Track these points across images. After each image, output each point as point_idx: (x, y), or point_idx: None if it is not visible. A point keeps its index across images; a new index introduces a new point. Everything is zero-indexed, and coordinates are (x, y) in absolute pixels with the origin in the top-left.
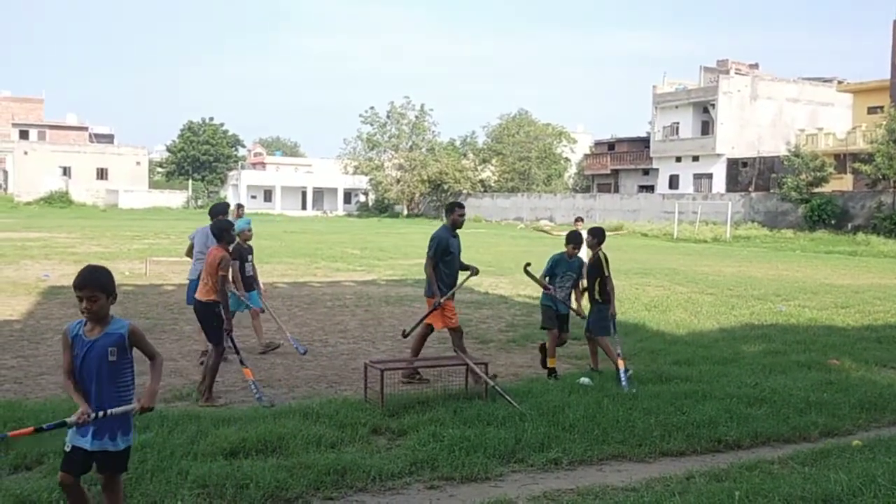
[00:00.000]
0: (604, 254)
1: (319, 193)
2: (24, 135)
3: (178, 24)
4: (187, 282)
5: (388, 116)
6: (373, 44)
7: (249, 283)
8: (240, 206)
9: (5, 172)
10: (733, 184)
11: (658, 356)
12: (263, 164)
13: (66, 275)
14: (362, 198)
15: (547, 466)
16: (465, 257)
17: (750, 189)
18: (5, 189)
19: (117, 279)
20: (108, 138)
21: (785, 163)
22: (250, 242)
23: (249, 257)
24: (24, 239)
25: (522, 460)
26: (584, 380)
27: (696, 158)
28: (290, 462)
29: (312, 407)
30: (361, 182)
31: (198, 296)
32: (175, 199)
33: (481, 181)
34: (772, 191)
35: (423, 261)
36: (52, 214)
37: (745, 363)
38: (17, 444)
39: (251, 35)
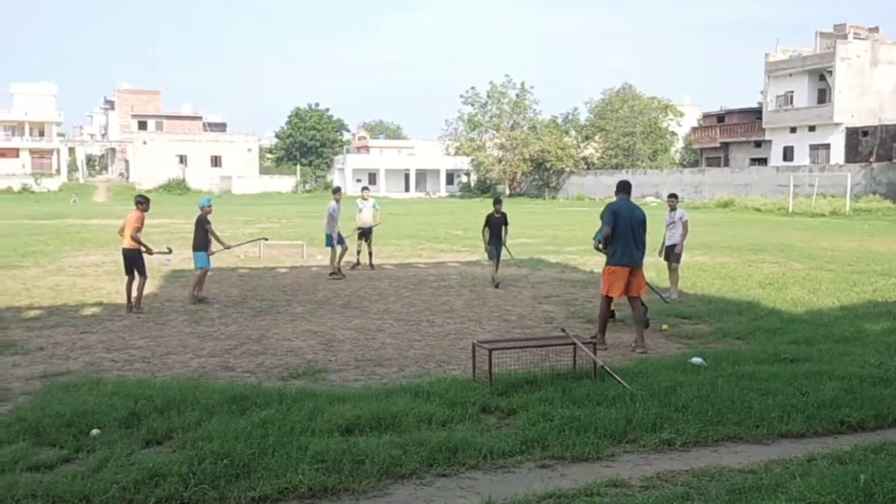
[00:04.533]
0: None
1: (422, 175)
2: (142, 125)
3: (283, 14)
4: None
5: (488, 96)
6: (471, 22)
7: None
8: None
9: (127, 162)
10: (853, 154)
11: (775, 335)
12: (367, 148)
13: (186, 258)
14: (464, 178)
15: (660, 447)
16: (570, 235)
17: (871, 159)
18: (127, 178)
19: (233, 263)
20: (220, 127)
21: None
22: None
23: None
24: (146, 225)
25: (634, 441)
26: (697, 359)
27: (812, 128)
28: (404, 439)
29: (423, 386)
30: (463, 163)
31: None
32: (284, 183)
33: (584, 158)
34: (895, 161)
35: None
36: (170, 201)
37: (868, 342)
38: (148, 418)
39: (351, 20)
